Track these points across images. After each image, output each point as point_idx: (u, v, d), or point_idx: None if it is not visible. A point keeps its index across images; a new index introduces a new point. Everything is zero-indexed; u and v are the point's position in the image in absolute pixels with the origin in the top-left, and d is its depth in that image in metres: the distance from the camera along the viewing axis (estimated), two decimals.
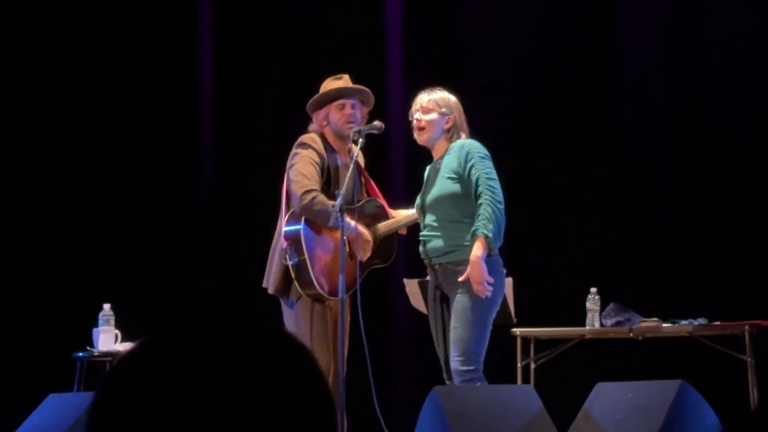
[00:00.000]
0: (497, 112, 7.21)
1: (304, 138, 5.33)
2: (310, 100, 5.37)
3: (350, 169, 5.12)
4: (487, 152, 5.04)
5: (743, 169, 7.14)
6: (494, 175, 4.98)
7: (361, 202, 5.36)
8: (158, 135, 7.47)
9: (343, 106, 5.32)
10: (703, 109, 7.26)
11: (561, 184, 7.36)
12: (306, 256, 5.12)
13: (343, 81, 5.40)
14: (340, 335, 4.99)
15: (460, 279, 4.85)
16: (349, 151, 5.38)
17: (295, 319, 5.22)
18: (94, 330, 6.02)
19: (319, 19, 7.67)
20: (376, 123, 5.26)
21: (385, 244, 5.38)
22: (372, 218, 5.38)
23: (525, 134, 7.31)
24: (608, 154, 7.40)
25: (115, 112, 7.43)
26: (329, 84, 5.40)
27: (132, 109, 7.44)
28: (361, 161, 5.51)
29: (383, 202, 5.46)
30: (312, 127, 5.39)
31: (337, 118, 5.31)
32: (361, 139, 5.18)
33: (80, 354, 6.02)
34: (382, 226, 5.37)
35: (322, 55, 7.50)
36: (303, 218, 5.16)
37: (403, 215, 5.43)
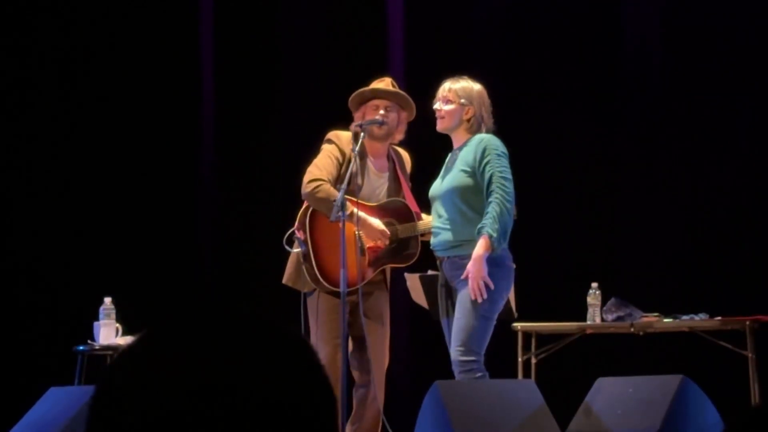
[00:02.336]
0: (496, 108, 7.19)
1: (329, 134, 5.36)
2: (350, 97, 5.37)
3: (352, 162, 5.12)
4: (504, 150, 5.01)
5: (745, 164, 7.14)
6: (508, 174, 4.95)
7: (382, 201, 5.36)
8: (159, 128, 7.47)
9: (376, 108, 5.32)
10: (703, 108, 7.25)
11: (562, 179, 7.36)
12: (310, 248, 5.15)
13: (384, 83, 5.40)
14: (343, 328, 4.99)
15: (462, 277, 4.85)
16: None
17: (310, 311, 5.25)
18: (95, 323, 6.02)
19: (320, 10, 7.66)
20: (377, 117, 5.28)
21: (404, 245, 5.36)
22: (392, 217, 5.36)
23: (524, 130, 7.30)
24: (609, 149, 7.40)
25: (116, 106, 7.43)
26: (373, 85, 5.41)
27: (133, 103, 7.44)
28: (408, 166, 5.51)
29: (413, 205, 5.43)
30: (352, 125, 5.38)
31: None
32: (362, 133, 5.19)
33: (81, 347, 6.03)
34: (402, 228, 5.36)
35: (322, 45, 7.49)
36: (310, 211, 5.18)
37: (428, 220, 5.39)
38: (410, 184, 5.48)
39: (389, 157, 5.45)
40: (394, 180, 5.42)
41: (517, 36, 7.55)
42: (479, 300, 4.81)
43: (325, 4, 7.67)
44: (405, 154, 5.54)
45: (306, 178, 5.20)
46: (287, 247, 5.23)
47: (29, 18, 7.40)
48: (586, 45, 7.47)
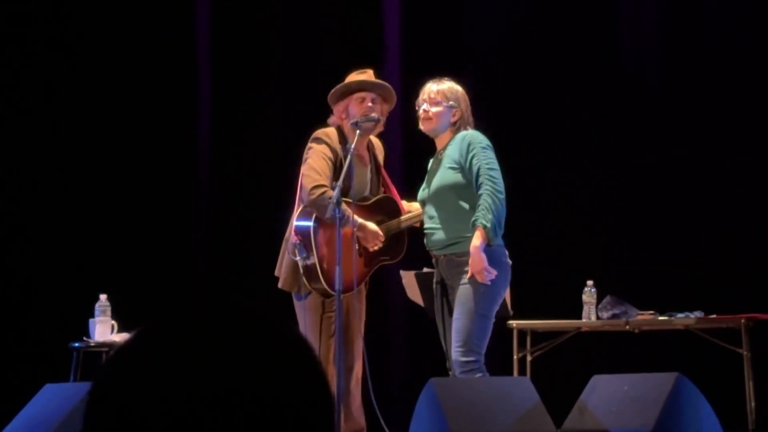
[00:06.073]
0: (493, 106, 7.21)
1: (318, 133, 5.32)
2: (332, 91, 5.35)
3: (348, 160, 5.11)
4: (489, 143, 5.04)
5: (740, 164, 7.14)
6: (495, 166, 4.98)
7: (372, 199, 5.35)
8: (155, 126, 7.47)
9: (362, 100, 5.30)
10: (699, 108, 7.26)
11: (558, 177, 7.36)
12: (315, 253, 5.11)
13: (366, 75, 5.39)
14: (337, 326, 4.99)
15: (467, 277, 4.85)
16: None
17: (303, 313, 5.23)
18: (91, 320, 6.02)
19: (317, 8, 7.66)
20: (373, 115, 5.26)
21: (395, 240, 5.36)
22: (384, 214, 5.36)
23: (521, 127, 7.30)
24: (605, 148, 7.40)
25: (112, 103, 7.43)
26: (353, 77, 5.38)
27: (129, 100, 7.44)
28: (381, 158, 5.51)
29: (397, 197, 5.44)
30: (332, 119, 5.36)
31: (356, 112, 5.29)
32: (358, 131, 5.18)
33: (76, 344, 6.02)
34: (394, 223, 5.36)
35: (319, 44, 7.49)
36: (314, 215, 5.15)
37: (415, 211, 5.39)
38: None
39: (368, 148, 5.45)
40: (376, 171, 5.41)
41: (514, 35, 7.55)
42: (487, 281, 4.82)
43: (322, 4, 7.67)
44: (377, 142, 5.52)
45: (307, 183, 5.15)
46: (292, 256, 5.18)
47: (26, 18, 7.39)
48: (584, 42, 7.47)
